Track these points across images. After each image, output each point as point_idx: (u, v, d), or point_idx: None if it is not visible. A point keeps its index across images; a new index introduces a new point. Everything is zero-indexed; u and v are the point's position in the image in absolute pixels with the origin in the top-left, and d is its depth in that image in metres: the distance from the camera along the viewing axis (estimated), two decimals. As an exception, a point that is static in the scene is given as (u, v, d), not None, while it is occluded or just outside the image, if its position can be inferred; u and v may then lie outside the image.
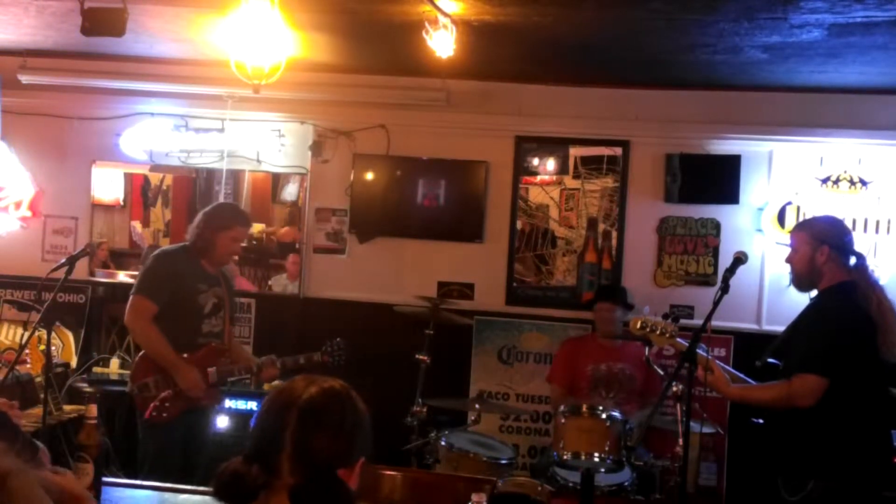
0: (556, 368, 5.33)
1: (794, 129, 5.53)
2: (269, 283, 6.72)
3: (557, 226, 5.85)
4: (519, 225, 5.87)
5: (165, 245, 6.17)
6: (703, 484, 5.50)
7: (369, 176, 5.94)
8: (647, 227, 5.76)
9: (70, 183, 6.22)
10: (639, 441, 4.11)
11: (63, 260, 3.86)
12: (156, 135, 6.06)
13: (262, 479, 1.71)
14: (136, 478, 3.94)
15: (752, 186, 5.63)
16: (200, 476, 3.95)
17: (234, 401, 5.30)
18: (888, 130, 5.45)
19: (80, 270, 5.30)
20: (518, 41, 4.74)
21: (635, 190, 5.77)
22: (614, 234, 5.79)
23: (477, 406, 4.65)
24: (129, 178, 6.94)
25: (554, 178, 5.87)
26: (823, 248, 3.46)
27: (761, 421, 3.63)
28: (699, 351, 3.37)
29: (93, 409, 2.72)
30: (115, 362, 5.83)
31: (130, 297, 4.23)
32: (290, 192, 6.73)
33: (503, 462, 4.49)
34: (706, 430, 4.38)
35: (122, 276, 6.32)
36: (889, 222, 5.44)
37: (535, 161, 5.89)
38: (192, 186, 6.84)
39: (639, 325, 3.71)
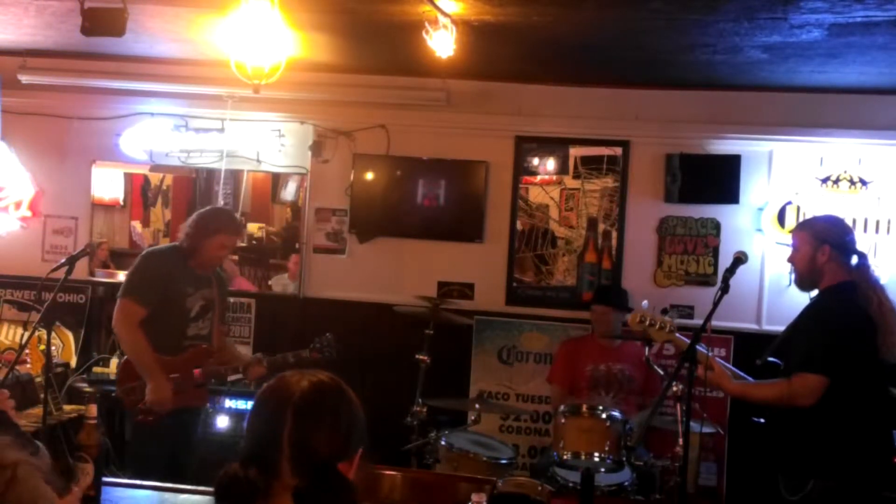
0: (555, 368, 5.33)
1: (794, 129, 5.53)
2: (269, 283, 6.73)
3: (557, 226, 5.85)
4: (519, 225, 5.87)
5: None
6: (703, 484, 5.50)
7: (369, 176, 5.94)
8: (647, 227, 5.76)
9: (70, 183, 6.21)
10: (639, 441, 4.11)
11: (63, 260, 3.85)
12: (156, 135, 6.05)
13: (261, 482, 1.70)
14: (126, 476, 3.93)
15: (752, 186, 5.63)
16: (190, 476, 3.91)
17: (233, 401, 5.30)
18: (888, 130, 5.45)
19: (80, 270, 5.30)
20: (518, 41, 4.74)
21: (635, 190, 5.77)
22: (614, 234, 5.79)
23: (477, 406, 4.65)
24: (129, 178, 6.96)
25: (554, 178, 5.86)
26: (825, 247, 3.46)
27: (762, 420, 3.63)
28: (699, 349, 3.38)
29: (93, 409, 2.72)
30: (114, 362, 5.82)
31: (118, 300, 4.19)
32: (289, 192, 6.74)
33: (503, 462, 4.49)
34: (706, 430, 4.38)
35: (122, 277, 6.30)
36: (889, 222, 5.44)
37: (535, 161, 5.89)
38: (192, 186, 6.85)
39: (637, 320, 3.71)
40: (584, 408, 3.99)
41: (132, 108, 6.10)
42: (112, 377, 5.67)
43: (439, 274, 5.91)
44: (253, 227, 7.29)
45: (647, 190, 5.76)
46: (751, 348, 4.55)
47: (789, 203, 5.53)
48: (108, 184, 6.60)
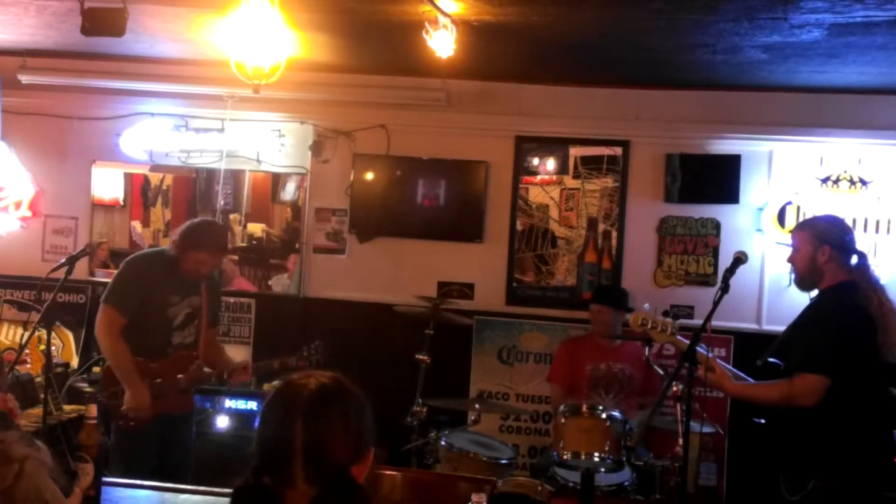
0: (555, 368, 5.33)
1: (794, 129, 5.53)
2: (269, 283, 6.72)
3: (557, 226, 5.85)
4: (519, 225, 5.87)
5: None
6: (703, 484, 5.50)
7: (369, 176, 5.94)
8: (647, 227, 5.76)
9: (70, 183, 6.21)
10: (639, 441, 4.11)
11: (63, 260, 3.86)
12: (156, 135, 6.06)
13: (276, 491, 1.68)
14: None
15: (752, 186, 5.63)
16: (182, 479, 3.87)
17: (233, 401, 5.30)
18: (888, 130, 5.45)
19: (80, 270, 5.30)
20: (518, 41, 4.74)
21: (635, 190, 5.77)
22: (614, 234, 5.79)
23: (477, 406, 4.65)
24: (129, 177, 6.95)
25: (554, 177, 5.86)
26: (825, 247, 3.47)
27: (762, 421, 3.64)
28: (699, 350, 3.38)
29: (93, 409, 2.72)
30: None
31: (101, 305, 4.17)
32: (289, 192, 6.73)
33: (503, 462, 4.49)
34: (706, 430, 4.38)
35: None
36: (889, 222, 5.44)
37: (535, 161, 5.89)
38: (192, 186, 6.84)
39: (639, 322, 3.71)
40: (584, 408, 3.99)
41: (132, 108, 6.10)
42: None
43: (439, 274, 5.91)
44: (253, 227, 7.29)
45: (647, 190, 5.76)
46: (751, 348, 4.55)
47: (789, 203, 5.53)
48: (108, 184, 6.60)
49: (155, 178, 7.19)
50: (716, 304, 3.37)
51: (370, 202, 5.94)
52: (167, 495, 3.13)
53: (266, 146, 6.02)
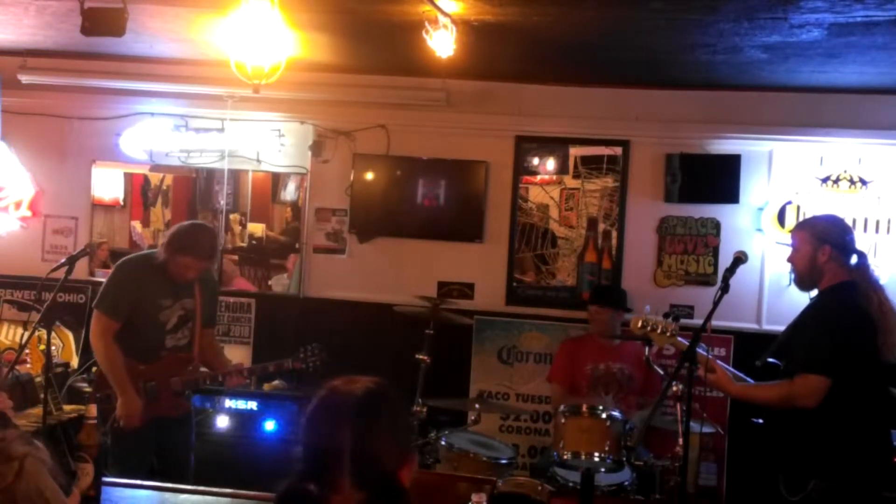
0: (555, 368, 5.33)
1: (794, 128, 5.53)
2: (269, 282, 6.72)
3: (557, 226, 5.85)
4: (519, 225, 5.87)
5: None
6: (703, 484, 5.50)
7: (369, 176, 5.94)
8: (646, 227, 5.76)
9: (70, 183, 6.22)
10: (639, 441, 4.11)
11: (63, 260, 3.86)
12: (156, 135, 6.06)
13: (321, 496, 1.68)
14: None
15: (752, 186, 5.63)
16: (177, 479, 3.83)
17: (233, 400, 5.30)
18: (888, 130, 5.45)
19: (80, 270, 5.30)
20: (518, 41, 4.74)
21: (635, 190, 5.77)
22: (614, 233, 5.79)
23: (477, 406, 4.65)
24: (129, 177, 6.94)
25: (554, 177, 5.87)
26: (825, 247, 3.46)
27: (761, 421, 3.63)
28: (700, 350, 3.38)
29: (93, 409, 2.72)
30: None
31: (93, 310, 4.15)
32: (290, 191, 6.73)
33: (503, 462, 4.49)
34: (706, 430, 4.37)
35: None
36: (889, 222, 5.44)
37: (535, 161, 5.89)
38: (192, 186, 6.83)
39: (640, 325, 3.71)
40: (584, 407, 3.99)
41: (132, 108, 6.11)
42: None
43: (439, 274, 5.91)
44: (253, 227, 7.28)
45: (646, 190, 5.76)
46: (751, 348, 4.54)
47: (789, 203, 5.53)
48: (108, 184, 6.59)
49: (155, 178, 7.18)
50: (716, 303, 3.37)
51: (370, 202, 5.94)
52: (167, 495, 3.13)
53: (266, 146, 6.02)
